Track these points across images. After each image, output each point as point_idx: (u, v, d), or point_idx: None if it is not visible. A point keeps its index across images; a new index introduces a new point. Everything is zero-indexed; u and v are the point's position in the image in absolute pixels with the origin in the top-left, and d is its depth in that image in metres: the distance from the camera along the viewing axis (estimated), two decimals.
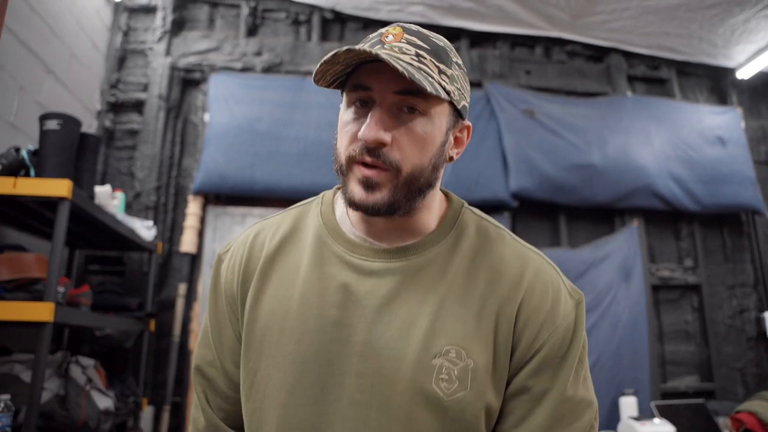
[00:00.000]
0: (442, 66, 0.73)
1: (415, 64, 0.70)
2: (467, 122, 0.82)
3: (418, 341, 0.72)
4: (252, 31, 3.44)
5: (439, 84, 0.72)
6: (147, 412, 2.71)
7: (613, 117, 3.54)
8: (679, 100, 3.82)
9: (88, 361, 2.03)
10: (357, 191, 0.73)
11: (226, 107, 3.11)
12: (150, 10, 3.33)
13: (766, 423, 2.68)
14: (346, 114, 0.76)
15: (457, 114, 0.78)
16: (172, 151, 3.16)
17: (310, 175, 3.03)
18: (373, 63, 0.72)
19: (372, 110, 0.72)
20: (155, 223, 2.94)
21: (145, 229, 2.51)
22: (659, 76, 3.87)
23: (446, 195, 0.87)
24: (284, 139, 3.09)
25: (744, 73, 3.85)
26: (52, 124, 1.90)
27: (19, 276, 1.85)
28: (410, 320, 0.73)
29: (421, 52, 0.72)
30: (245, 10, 3.43)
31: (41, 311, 1.67)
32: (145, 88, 3.21)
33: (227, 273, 0.86)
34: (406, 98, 0.72)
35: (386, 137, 0.71)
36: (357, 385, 0.71)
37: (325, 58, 0.70)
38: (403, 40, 0.72)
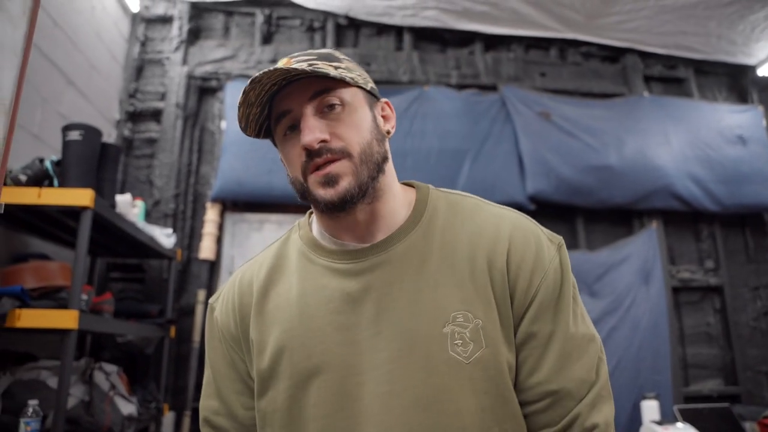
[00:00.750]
0: (334, 63, 0.79)
1: (309, 68, 0.75)
2: (384, 99, 0.87)
3: (424, 317, 0.74)
4: (267, 39, 3.47)
5: (338, 72, 0.77)
6: (168, 418, 2.73)
7: (630, 118, 3.51)
8: (698, 99, 3.78)
9: (111, 368, 2.06)
10: (323, 192, 0.76)
11: None
12: (167, 20, 3.38)
13: None
14: (284, 149, 0.81)
15: (371, 96, 0.84)
16: (189, 158, 3.20)
17: None
18: (281, 91, 0.79)
19: (300, 124, 0.77)
20: (174, 231, 2.98)
21: (164, 237, 2.54)
22: (676, 76, 3.83)
23: (411, 185, 0.90)
24: None
25: (765, 71, 3.80)
26: (75, 135, 1.94)
27: (44, 284, 1.89)
28: (410, 301, 0.75)
29: (311, 60, 0.78)
30: (260, 18, 3.47)
31: (66, 318, 1.70)
32: (162, 97, 3.26)
33: (222, 317, 0.87)
34: (321, 99, 0.77)
35: (323, 135, 0.75)
36: (375, 379, 0.73)
37: (239, 101, 0.77)
38: (293, 63, 0.78)
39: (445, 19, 3.51)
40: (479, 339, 0.73)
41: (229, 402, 0.85)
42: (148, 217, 2.99)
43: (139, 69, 3.31)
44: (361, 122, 0.79)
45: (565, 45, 3.75)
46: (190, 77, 3.28)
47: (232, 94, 3.20)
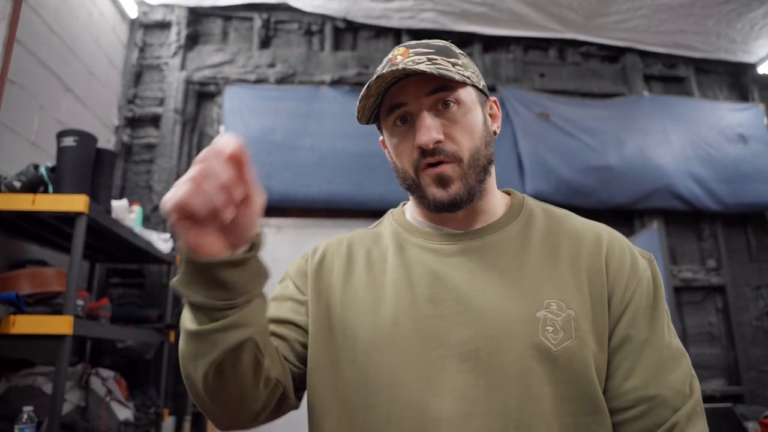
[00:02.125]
0: (452, 60, 0.81)
1: (433, 66, 0.77)
2: (493, 97, 0.90)
3: (518, 299, 0.75)
4: (265, 43, 3.48)
5: (459, 73, 0.79)
6: (168, 423, 2.73)
7: (629, 117, 3.49)
8: (698, 98, 3.76)
9: (107, 373, 2.06)
10: (435, 191, 0.80)
11: (240, 119, 3.15)
12: (165, 25, 3.40)
13: None
14: (392, 138, 0.84)
15: (482, 93, 0.86)
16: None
17: (326, 185, 3.05)
18: (397, 84, 0.80)
19: (416, 119, 0.80)
20: (173, 236, 2.98)
21: (162, 242, 2.54)
22: (676, 75, 3.81)
23: (507, 192, 0.94)
24: (299, 149, 3.11)
25: (766, 68, 3.77)
26: (69, 141, 1.94)
27: (40, 290, 1.89)
28: (505, 284, 0.77)
29: (431, 56, 0.79)
30: (258, 23, 3.47)
31: (61, 324, 1.70)
32: (161, 102, 3.27)
33: (298, 265, 0.91)
34: (438, 96, 0.79)
35: (439, 135, 0.78)
36: (460, 354, 0.73)
37: (361, 94, 0.79)
38: (411, 54, 0.79)
39: (443, 21, 3.51)
40: (570, 329, 0.73)
41: (283, 325, 0.85)
42: (148, 222, 3.00)
43: (137, 75, 3.32)
44: (473, 124, 0.81)
45: (564, 45, 3.74)
46: (189, 82, 3.29)
47: (231, 99, 3.21)
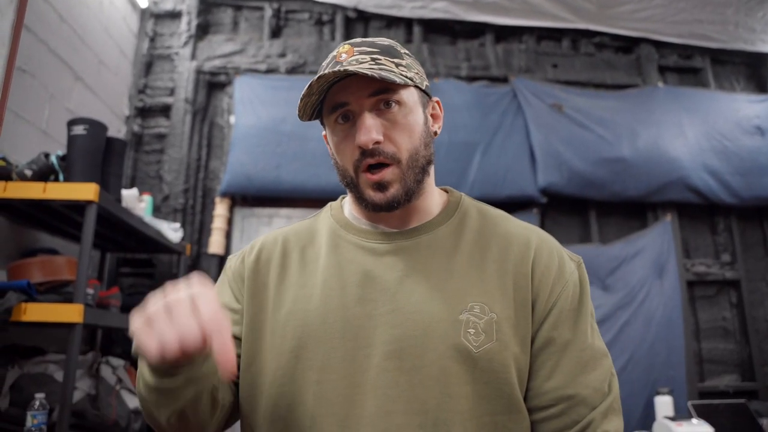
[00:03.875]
0: (396, 60, 0.81)
1: (376, 67, 0.78)
2: (435, 98, 0.91)
3: (443, 301, 0.77)
4: (276, 33, 3.46)
5: (401, 75, 0.79)
6: None
7: (643, 109, 3.44)
8: (714, 89, 3.69)
9: (118, 362, 2.07)
10: (372, 195, 0.81)
11: (251, 109, 3.14)
12: (175, 15, 3.38)
13: None
14: (334, 136, 0.85)
15: (424, 94, 0.87)
16: (199, 153, 3.20)
17: (335, 175, 3.01)
18: (340, 82, 0.81)
19: (357, 119, 0.80)
20: (183, 225, 2.98)
21: (172, 231, 2.54)
22: (692, 66, 3.74)
23: (445, 190, 0.95)
24: (309, 140, 3.10)
25: None
26: (79, 129, 1.94)
27: (51, 278, 1.90)
28: (432, 286, 0.79)
29: (374, 56, 0.80)
30: (269, 12, 3.45)
31: (71, 312, 1.71)
32: (171, 92, 3.26)
33: (235, 265, 0.91)
34: (379, 97, 0.80)
35: (378, 136, 0.79)
36: (384, 353, 0.76)
37: (303, 93, 0.79)
38: (355, 53, 0.80)
39: (455, 11, 3.47)
40: (491, 332, 0.76)
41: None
42: (158, 212, 3.00)
43: (148, 64, 3.31)
44: (414, 125, 0.82)
45: (578, 35, 3.68)
46: (199, 72, 3.28)
47: (241, 89, 3.20)
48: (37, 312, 1.69)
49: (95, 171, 1.94)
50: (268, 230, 3.09)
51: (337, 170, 0.87)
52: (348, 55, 0.80)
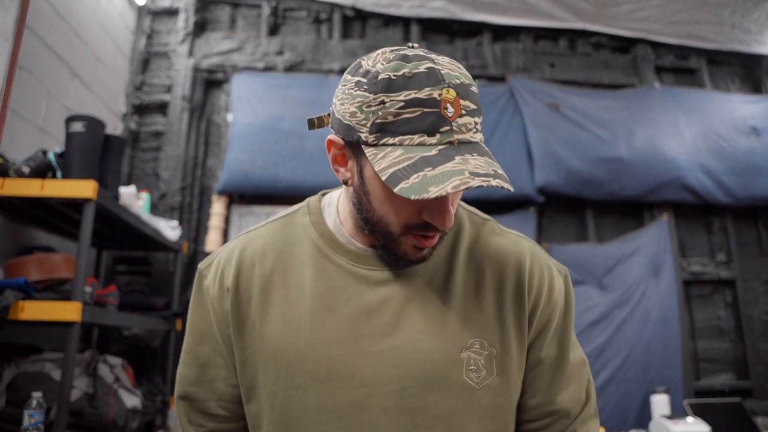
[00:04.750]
0: (481, 118, 0.71)
1: (486, 151, 0.68)
2: None
3: (444, 339, 0.74)
4: (273, 31, 3.45)
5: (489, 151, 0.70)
6: (174, 411, 2.73)
7: (640, 109, 3.46)
8: (710, 89, 3.71)
9: (115, 361, 2.06)
10: (411, 253, 0.74)
11: (248, 107, 3.13)
12: (172, 12, 3.37)
13: None
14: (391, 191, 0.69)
15: None
16: (196, 151, 3.19)
17: (333, 173, 3.02)
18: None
19: (443, 204, 0.70)
20: (180, 223, 2.97)
21: (170, 229, 2.53)
22: (688, 66, 3.76)
23: None
24: (307, 138, 3.09)
25: None
26: (77, 126, 1.93)
27: (48, 276, 1.89)
28: (430, 320, 0.75)
29: (476, 119, 0.68)
30: (266, 10, 3.44)
31: (69, 311, 1.69)
32: (168, 89, 3.25)
33: (214, 289, 0.81)
34: None
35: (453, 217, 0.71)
36: (384, 393, 0.72)
37: (426, 197, 0.62)
38: (462, 111, 0.66)
39: (453, 10, 3.47)
40: (491, 367, 0.75)
41: (209, 373, 0.81)
42: (155, 209, 2.99)
43: (145, 61, 3.30)
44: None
45: (575, 35, 3.69)
46: (197, 69, 3.27)
47: (239, 87, 3.19)
48: (34, 310, 1.67)
49: (93, 168, 1.93)
50: None
51: (360, 209, 0.75)
52: (455, 111, 0.65)
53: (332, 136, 0.75)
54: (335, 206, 0.84)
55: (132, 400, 1.97)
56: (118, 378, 1.98)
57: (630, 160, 3.27)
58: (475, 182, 0.61)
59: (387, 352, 0.73)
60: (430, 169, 0.63)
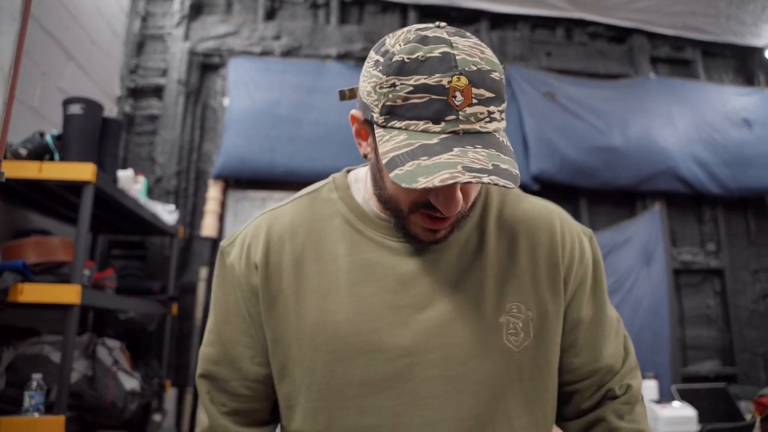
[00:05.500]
0: (503, 106, 0.68)
1: (495, 142, 0.66)
2: None
3: (482, 305, 0.76)
4: (270, 15, 3.42)
5: (507, 143, 0.69)
6: (170, 394, 2.75)
7: (635, 99, 3.48)
8: (704, 81, 3.74)
9: (114, 343, 2.07)
10: (421, 234, 0.74)
11: (245, 91, 3.12)
12: None
13: None
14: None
15: None
16: (192, 135, 3.18)
17: (331, 159, 3.03)
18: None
19: (447, 191, 0.68)
20: (176, 208, 2.96)
21: (167, 213, 2.53)
22: (683, 57, 3.78)
23: None
24: (304, 123, 3.08)
25: None
26: (76, 109, 1.92)
27: (46, 259, 1.88)
28: (467, 288, 0.76)
29: (491, 108, 0.66)
30: None
31: (69, 293, 1.70)
32: (164, 73, 3.22)
33: (241, 266, 0.81)
34: None
35: (461, 201, 0.69)
36: (426, 362, 0.73)
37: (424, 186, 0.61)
38: (474, 100, 0.64)
39: None
40: (528, 329, 0.76)
41: (234, 352, 0.81)
42: (150, 194, 2.98)
43: (140, 44, 3.26)
44: None
45: (572, 25, 3.70)
46: (192, 53, 3.24)
47: (235, 71, 3.17)
48: (33, 293, 1.68)
49: (92, 151, 1.92)
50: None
51: (374, 181, 0.77)
52: (465, 100, 0.64)
53: (354, 111, 0.76)
54: (363, 182, 0.84)
55: (131, 383, 1.98)
56: (116, 361, 1.99)
57: (624, 150, 3.30)
58: (464, 178, 0.60)
59: (427, 322, 0.74)
60: (425, 158, 0.62)
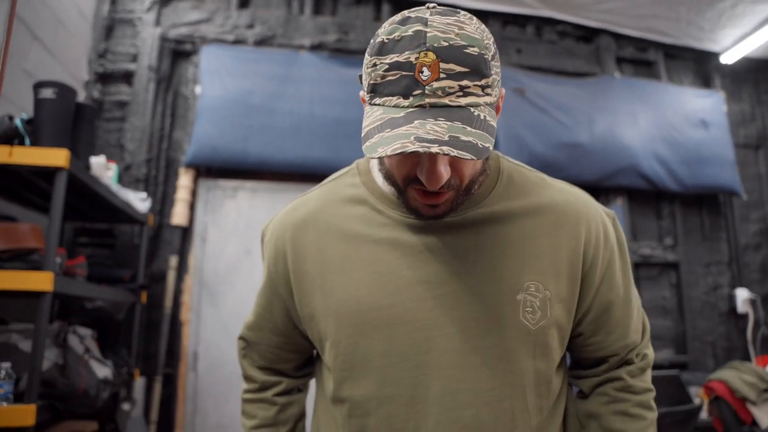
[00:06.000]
0: (484, 81, 0.67)
1: (465, 115, 0.66)
2: (502, 92, 0.79)
3: (501, 282, 0.78)
4: (244, 3, 3.39)
5: (484, 117, 0.68)
6: (139, 383, 2.73)
7: (601, 97, 3.59)
8: (665, 82, 3.89)
9: (85, 331, 2.04)
10: (421, 208, 0.77)
11: (218, 80, 3.08)
12: None
13: (735, 390, 2.83)
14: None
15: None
16: (162, 123, 3.13)
17: (303, 149, 3.04)
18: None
19: (428, 163, 0.69)
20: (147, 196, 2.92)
21: (139, 201, 2.50)
22: (647, 59, 3.92)
23: None
24: (277, 113, 3.08)
25: (728, 58, 3.92)
26: (48, 93, 1.88)
27: (15, 246, 1.84)
28: (487, 264, 0.79)
29: (464, 83, 0.66)
30: None
31: (41, 281, 1.67)
32: (134, 58, 3.16)
33: (271, 251, 0.90)
34: None
35: (447, 175, 0.70)
36: (445, 335, 0.77)
37: (386, 153, 0.63)
38: (441, 73, 0.65)
39: None
40: (545, 309, 0.79)
41: (265, 320, 0.96)
42: (120, 181, 2.92)
43: (109, 28, 3.18)
44: None
45: (542, 23, 3.78)
46: (164, 39, 3.19)
47: (208, 59, 3.13)
48: (3, 280, 1.64)
49: (65, 137, 1.88)
50: (233, 202, 3.08)
51: (380, 159, 0.81)
52: (432, 75, 0.65)
53: (361, 92, 0.78)
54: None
55: (103, 371, 1.97)
56: (88, 349, 1.97)
57: (589, 147, 3.41)
58: (412, 147, 0.62)
59: (445, 297, 0.78)
60: (389, 130, 0.65)
